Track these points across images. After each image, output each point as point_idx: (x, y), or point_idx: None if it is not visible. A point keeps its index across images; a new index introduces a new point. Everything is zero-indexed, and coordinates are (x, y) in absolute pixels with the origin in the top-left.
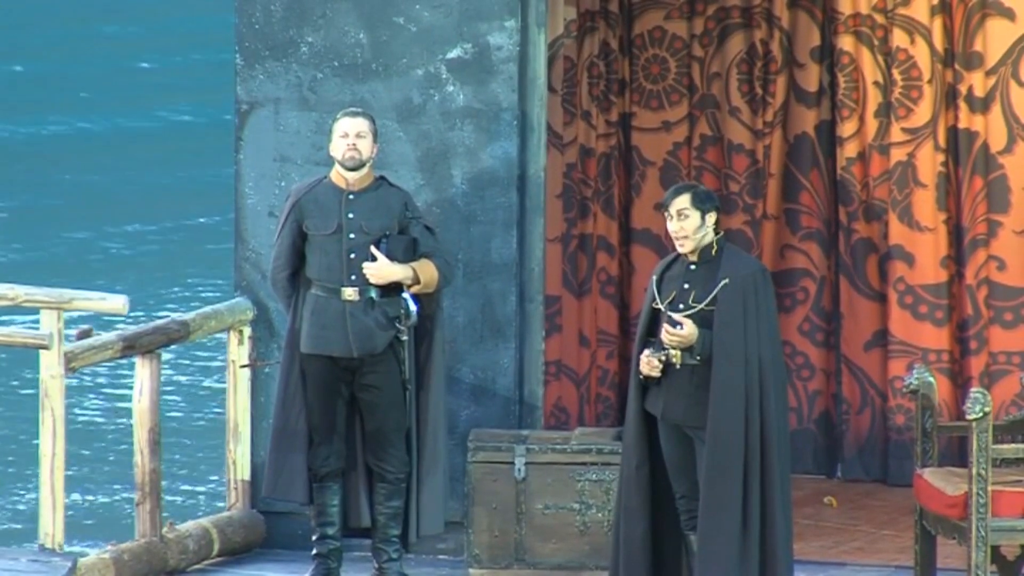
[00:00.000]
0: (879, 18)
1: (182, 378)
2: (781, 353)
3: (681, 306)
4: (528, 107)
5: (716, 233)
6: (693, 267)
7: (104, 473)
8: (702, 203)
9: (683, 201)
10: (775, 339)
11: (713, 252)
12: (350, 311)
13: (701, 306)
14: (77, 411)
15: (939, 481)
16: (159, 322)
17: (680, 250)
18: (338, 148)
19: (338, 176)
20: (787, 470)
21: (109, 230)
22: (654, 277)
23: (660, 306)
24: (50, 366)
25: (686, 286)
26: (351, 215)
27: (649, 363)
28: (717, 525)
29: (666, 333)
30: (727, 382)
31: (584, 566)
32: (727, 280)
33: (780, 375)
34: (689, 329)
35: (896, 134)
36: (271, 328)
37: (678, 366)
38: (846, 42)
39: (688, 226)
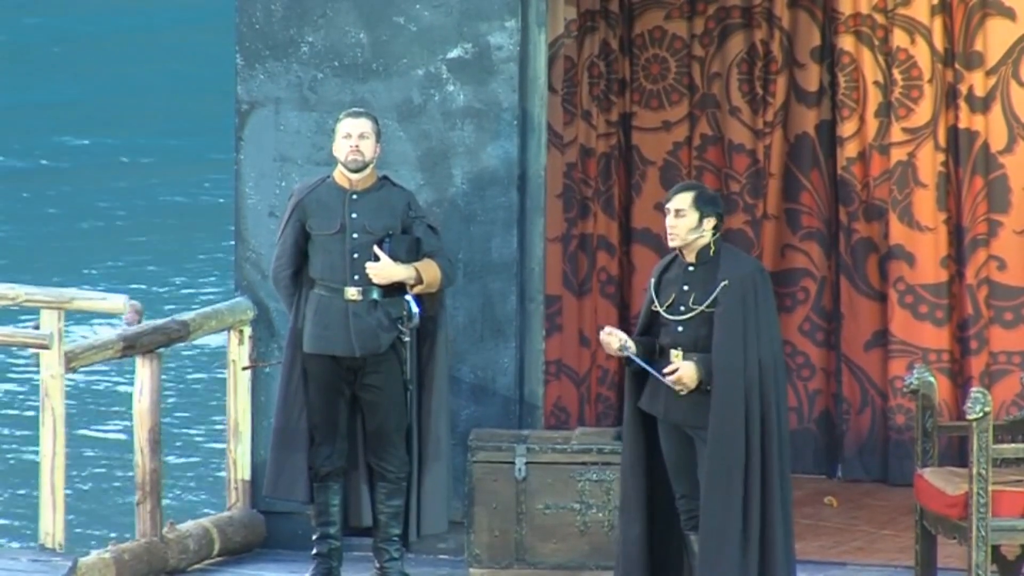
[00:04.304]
0: (879, 18)
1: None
2: (781, 352)
3: (682, 308)
4: (528, 107)
5: (715, 234)
6: (691, 268)
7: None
8: (703, 206)
9: (683, 200)
10: (775, 339)
11: (711, 253)
12: (353, 311)
13: (701, 308)
14: None
15: (939, 481)
16: (159, 322)
17: (670, 244)
18: (341, 149)
19: (341, 176)
20: (787, 470)
21: None
22: (652, 280)
23: (659, 309)
24: (50, 366)
25: (685, 288)
26: (354, 215)
27: (608, 342)
28: (718, 525)
29: (672, 381)
30: (728, 384)
31: (584, 566)
32: (727, 281)
33: (780, 375)
34: (686, 370)
35: (896, 134)
36: (271, 328)
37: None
38: (846, 42)
39: (682, 225)
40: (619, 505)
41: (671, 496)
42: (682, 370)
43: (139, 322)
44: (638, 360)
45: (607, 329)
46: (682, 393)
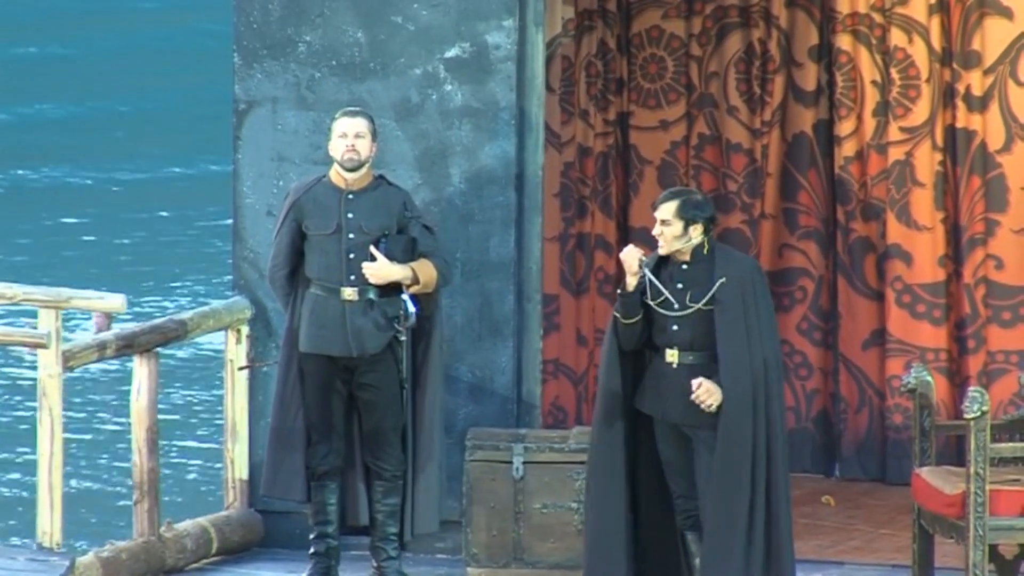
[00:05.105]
0: (877, 17)
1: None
2: (780, 350)
3: (676, 306)
4: (526, 106)
5: (706, 234)
6: (685, 267)
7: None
8: (687, 213)
9: (668, 210)
10: (774, 336)
11: (704, 251)
12: (349, 311)
13: (698, 306)
14: None
15: (937, 480)
16: (156, 321)
17: (659, 252)
18: (337, 148)
19: (337, 176)
20: (787, 469)
21: None
22: (646, 270)
23: (652, 304)
24: (48, 365)
25: (679, 286)
26: (350, 215)
27: (631, 253)
28: (725, 525)
29: (702, 392)
30: (736, 383)
31: (582, 565)
32: (724, 280)
33: (780, 372)
34: (712, 388)
35: (894, 133)
36: (269, 327)
37: (675, 366)
38: (844, 41)
39: (668, 234)
40: (591, 503)
41: (657, 496)
42: (705, 382)
43: (109, 327)
44: (656, 281)
45: (634, 248)
46: (711, 408)
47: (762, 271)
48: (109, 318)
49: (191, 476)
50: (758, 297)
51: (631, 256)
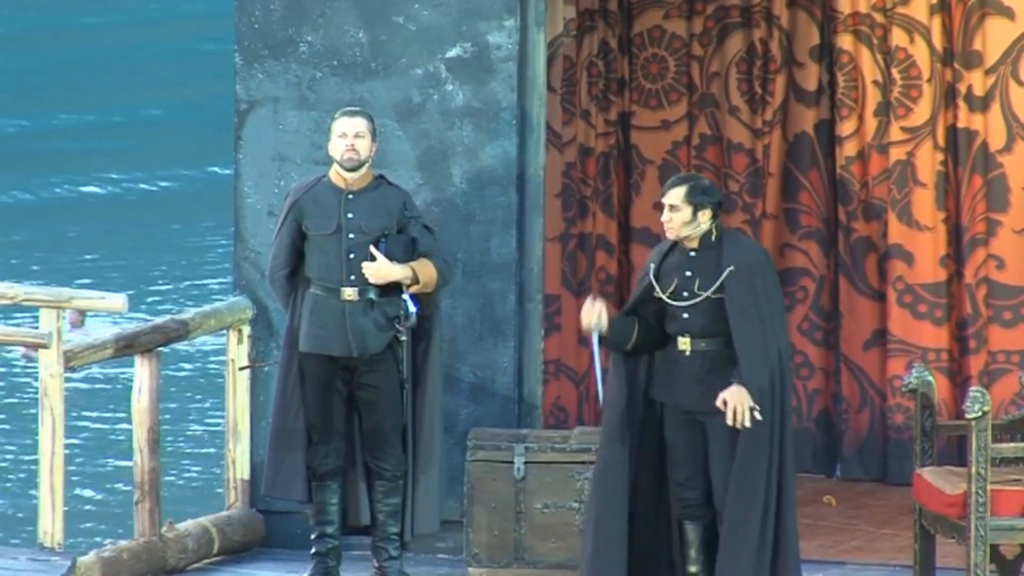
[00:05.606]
0: (878, 17)
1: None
2: (789, 339)
3: (685, 294)
4: (527, 106)
5: (714, 220)
6: (693, 254)
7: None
8: (696, 198)
9: (677, 195)
10: (784, 326)
11: (713, 238)
12: (349, 311)
13: (707, 294)
14: None
15: (938, 480)
16: (158, 321)
17: (668, 237)
18: (336, 148)
19: (337, 176)
20: (794, 463)
21: None
22: (652, 265)
23: (663, 296)
24: (49, 365)
25: (688, 274)
26: (350, 215)
27: (588, 314)
28: (743, 519)
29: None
30: (756, 378)
31: (580, 563)
32: (733, 267)
33: (791, 363)
34: (736, 394)
35: (895, 133)
36: (270, 327)
37: (688, 353)
38: (845, 41)
39: (677, 219)
40: (598, 505)
41: (655, 488)
42: (733, 397)
43: (82, 325)
44: (596, 350)
45: (598, 306)
46: (757, 414)
47: (771, 258)
48: (82, 315)
49: (192, 476)
50: (768, 285)
51: (590, 319)
